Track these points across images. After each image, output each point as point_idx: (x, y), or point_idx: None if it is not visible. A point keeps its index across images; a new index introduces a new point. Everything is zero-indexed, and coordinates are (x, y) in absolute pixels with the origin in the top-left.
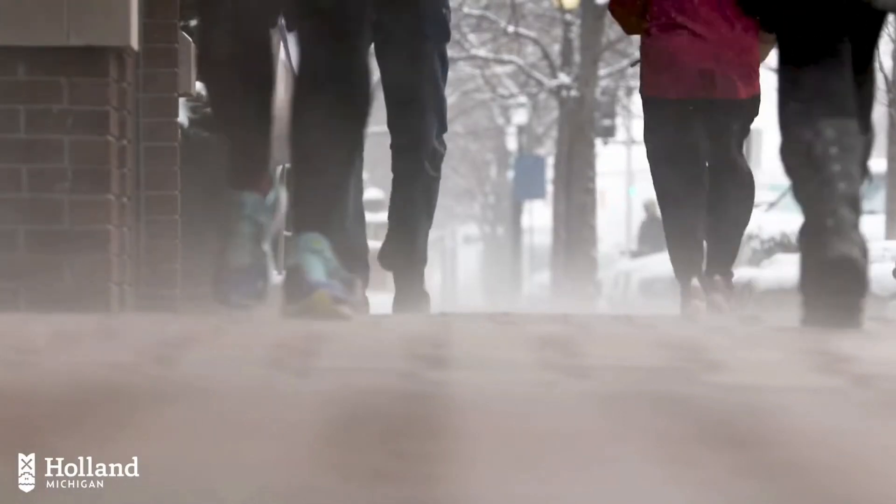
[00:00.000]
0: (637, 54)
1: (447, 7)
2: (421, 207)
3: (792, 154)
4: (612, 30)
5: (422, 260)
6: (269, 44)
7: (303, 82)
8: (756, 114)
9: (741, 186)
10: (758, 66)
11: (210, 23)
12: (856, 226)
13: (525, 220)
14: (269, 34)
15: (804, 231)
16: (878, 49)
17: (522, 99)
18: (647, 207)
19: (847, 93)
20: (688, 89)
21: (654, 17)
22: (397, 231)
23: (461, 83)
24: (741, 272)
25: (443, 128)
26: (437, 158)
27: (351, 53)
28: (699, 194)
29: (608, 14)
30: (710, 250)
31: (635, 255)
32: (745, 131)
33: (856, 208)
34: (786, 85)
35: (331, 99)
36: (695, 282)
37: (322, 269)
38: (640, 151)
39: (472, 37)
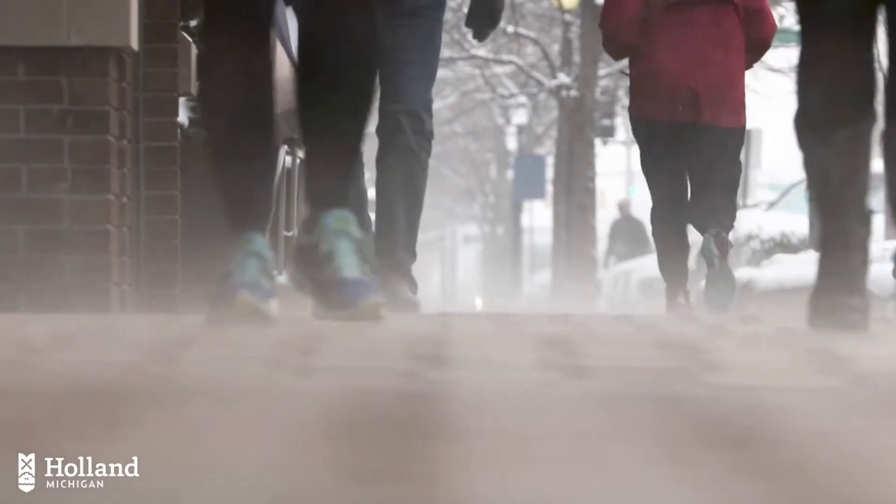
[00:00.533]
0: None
1: None
2: (402, 192)
3: (805, 156)
4: None
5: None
6: (270, 73)
7: (304, 63)
8: (741, 145)
9: (727, 190)
10: (744, 99)
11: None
12: (864, 239)
13: (525, 220)
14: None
15: (819, 239)
16: None
17: (522, 99)
18: (621, 207)
19: (868, 84)
20: (674, 113)
21: (645, 42)
22: (381, 214)
23: (461, 83)
24: (741, 272)
25: (428, 105)
26: (420, 132)
27: (363, 20)
28: (685, 216)
29: None
30: (708, 210)
31: (607, 257)
32: (735, 165)
33: (865, 215)
34: (802, 78)
35: (334, 88)
36: (681, 299)
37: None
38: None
39: (471, 37)
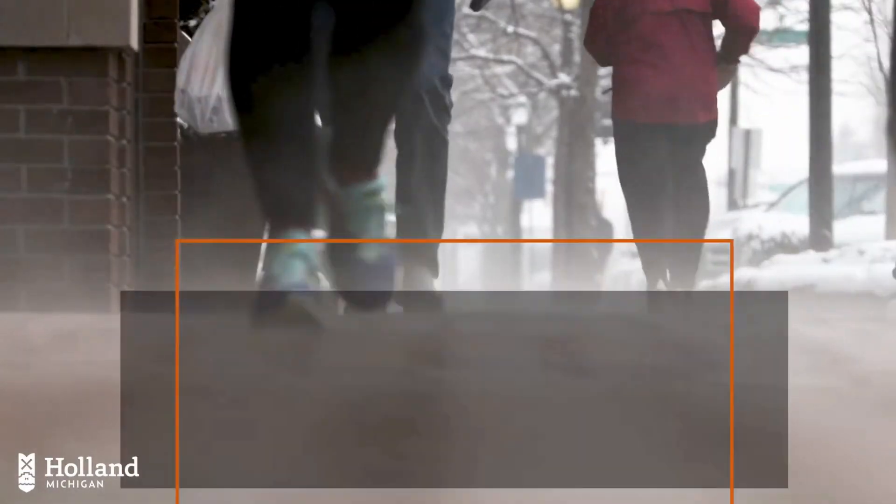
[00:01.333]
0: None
1: None
2: (427, 170)
3: None
4: None
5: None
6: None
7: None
8: (714, 136)
9: (700, 196)
10: (716, 94)
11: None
12: None
13: (525, 220)
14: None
15: None
16: None
17: (522, 99)
18: None
19: None
20: (655, 114)
21: (625, 50)
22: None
23: (461, 83)
24: (741, 272)
25: (447, 79)
26: (441, 107)
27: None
28: (667, 206)
29: None
30: (672, 262)
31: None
32: (704, 151)
33: None
34: None
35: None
36: (661, 284)
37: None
38: None
39: (471, 37)
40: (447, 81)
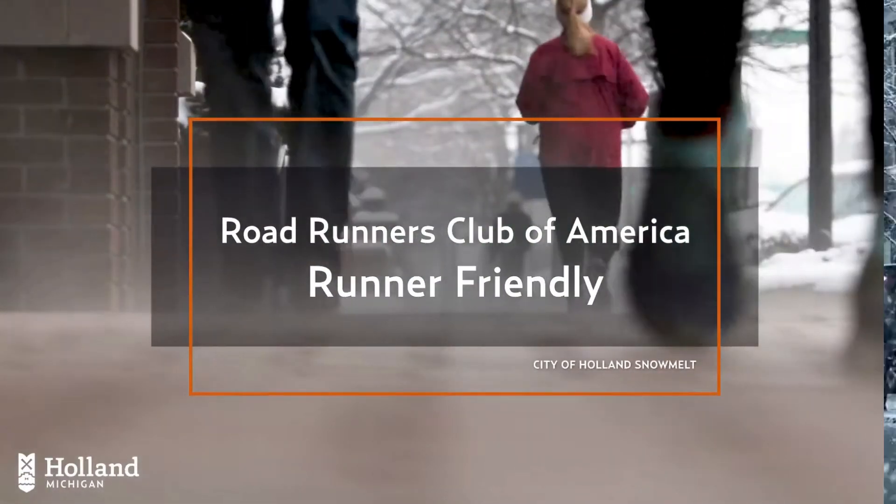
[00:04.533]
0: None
1: None
2: (318, 139)
3: None
4: (612, 30)
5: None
6: None
7: None
8: (621, 180)
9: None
10: (620, 147)
11: None
12: None
13: None
14: None
15: None
16: None
17: None
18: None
19: None
20: (571, 159)
21: (552, 110)
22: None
23: (461, 83)
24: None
25: (349, 22)
26: (341, 58)
27: None
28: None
29: (608, 14)
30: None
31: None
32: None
33: None
34: None
35: None
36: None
37: None
38: (640, 151)
39: (472, 37)
40: (349, 25)
